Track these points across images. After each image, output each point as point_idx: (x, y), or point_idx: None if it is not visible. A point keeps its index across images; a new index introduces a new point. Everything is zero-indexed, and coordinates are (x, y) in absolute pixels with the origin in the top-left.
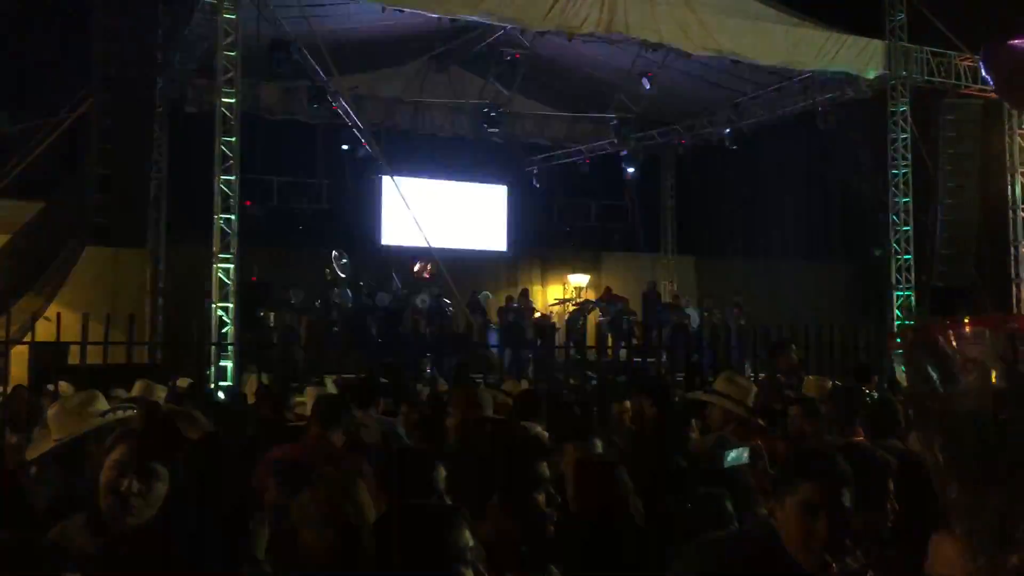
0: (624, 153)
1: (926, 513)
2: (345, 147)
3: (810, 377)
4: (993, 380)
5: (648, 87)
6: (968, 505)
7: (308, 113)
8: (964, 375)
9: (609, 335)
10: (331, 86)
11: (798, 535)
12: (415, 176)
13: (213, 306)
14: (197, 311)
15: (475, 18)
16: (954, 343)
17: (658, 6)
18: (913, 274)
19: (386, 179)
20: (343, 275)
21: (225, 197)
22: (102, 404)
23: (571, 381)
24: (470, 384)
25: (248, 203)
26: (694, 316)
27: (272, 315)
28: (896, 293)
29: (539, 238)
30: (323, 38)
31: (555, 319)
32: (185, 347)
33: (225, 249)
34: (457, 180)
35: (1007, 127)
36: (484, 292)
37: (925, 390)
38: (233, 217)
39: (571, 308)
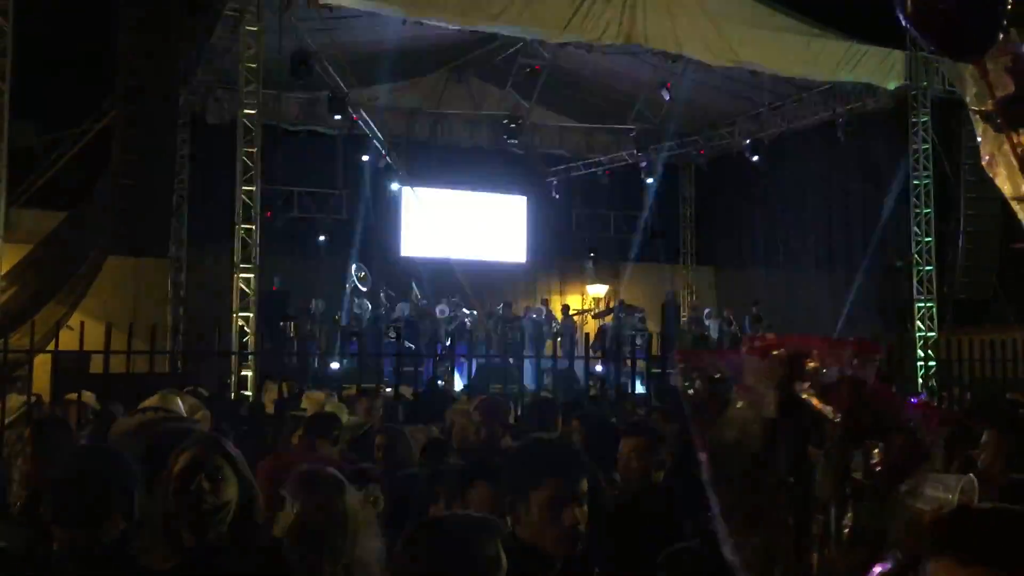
0: (643, 164)
1: None
2: (365, 158)
3: None
4: (765, 410)
5: (668, 98)
6: (732, 542)
7: (329, 124)
8: (737, 402)
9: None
10: (351, 97)
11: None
12: (434, 187)
13: (234, 315)
14: (218, 321)
15: (495, 30)
16: (729, 367)
17: (678, 17)
18: (935, 285)
19: (405, 190)
20: (363, 288)
21: (246, 207)
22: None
23: (591, 392)
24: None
25: (269, 213)
26: (713, 327)
27: (292, 324)
28: (917, 304)
29: (558, 249)
30: (344, 49)
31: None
32: (206, 356)
33: (246, 259)
34: (476, 191)
35: None
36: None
37: (695, 416)
38: (254, 227)
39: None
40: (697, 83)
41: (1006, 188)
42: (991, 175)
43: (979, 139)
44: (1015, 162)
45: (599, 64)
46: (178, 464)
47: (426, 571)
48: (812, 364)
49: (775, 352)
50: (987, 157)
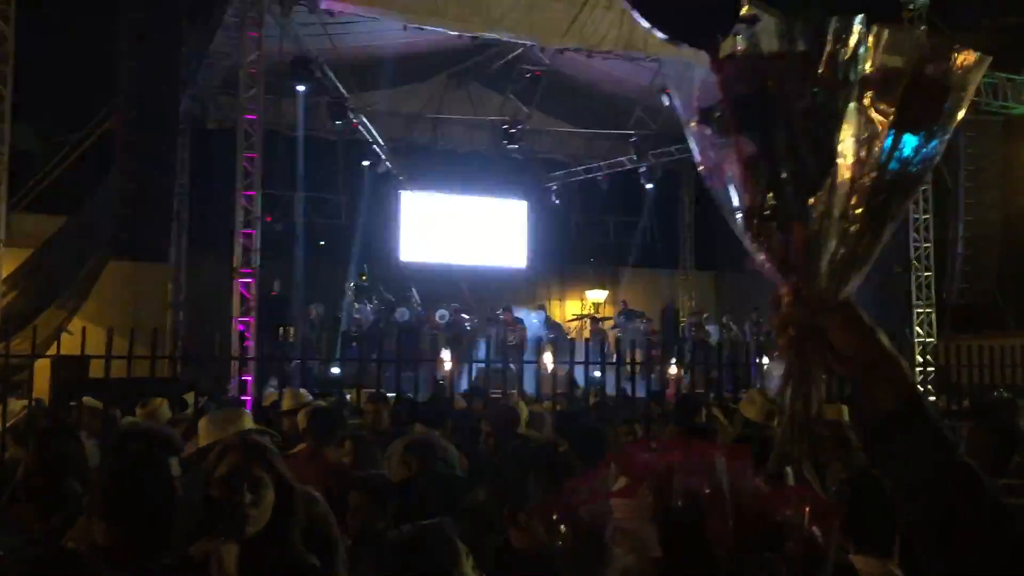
0: (643, 169)
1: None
2: (365, 163)
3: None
4: (650, 551)
5: (667, 103)
6: None
7: (329, 129)
8: (619, 550)
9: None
10: (352, 102)
11: None
12: (434, 191)
13: (234, 320)
14: (218, 325)
15: (494, 36)
16: (599, 510)
17: None
18: (933, 291)
19: (405, 195)
20: (366, 291)
21: (246, 212)
22: (247, 422)
23: (591, 399)
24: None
25: (269, 218)
26: (713, 332)
27: (292, 330)
28: (916, 310)
29: (557, 254)
30: (344, 55)
31: (572, 335)
32: (206, 361)
33: (246, 264)
34: (476, 196)
35: None
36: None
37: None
38: (254, 232)
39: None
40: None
41: (729, 199)
42: (708, 186)
43: (693, 145)
44: (739, 171)
45: (599, 70)
46: (219, 469)
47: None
48: (683, 480)
49: (640, 488)
50: (706, 166)
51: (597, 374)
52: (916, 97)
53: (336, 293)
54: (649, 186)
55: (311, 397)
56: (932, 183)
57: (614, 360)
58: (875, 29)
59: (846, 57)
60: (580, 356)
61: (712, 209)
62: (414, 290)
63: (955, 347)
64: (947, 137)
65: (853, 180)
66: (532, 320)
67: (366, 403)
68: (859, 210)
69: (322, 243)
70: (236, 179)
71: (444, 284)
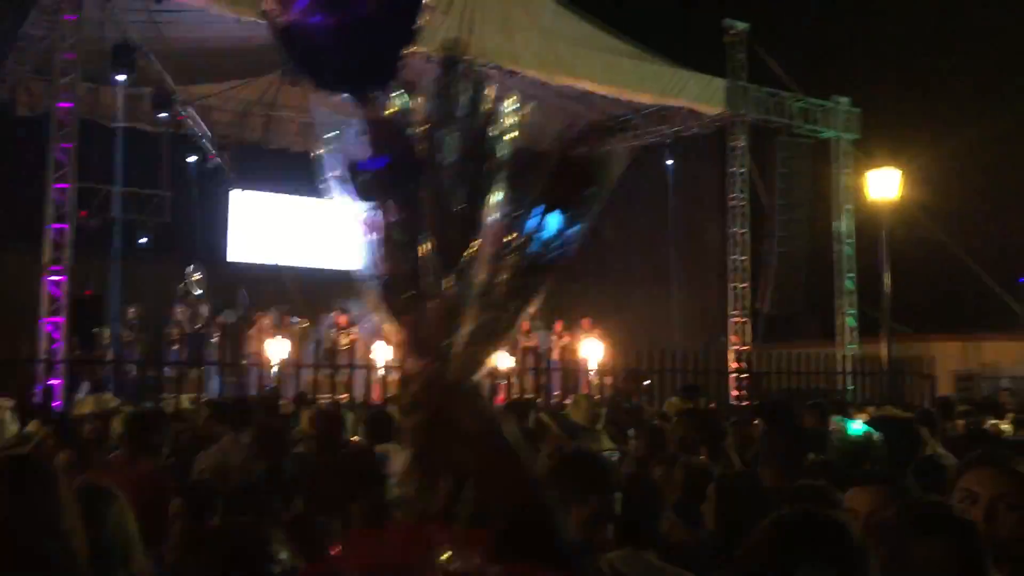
0: None
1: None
2: (191, 158)
3: (673, 399)
4: None
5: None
6: None
7: (152, 121)
8: None
9: None
10: (178, 94)
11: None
12: (266, 191)
13: (41, 321)
14: (23, 326)
15: None
16: None
17: (513, 33)
18: (749, 301)
19: (234, 193)
20: (200, 291)
21: (58, 206)
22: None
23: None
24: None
25: (83, 213)
26: (543, 340)
27: (107, 331)
28: (731, 319)
29: None
30: (171, 44)
31: None
32: (10, 364)
33: (56, 261)
34: (311, 196)
35: (834, 167)
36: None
37: None
38: (67, 227)
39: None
40: (531, 99)
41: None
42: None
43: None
44: (381, 237)
45: (436, 73)
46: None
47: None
48: None
49: None
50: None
51: None
52: (561, 180)
53: (158, 293)
54: None
55: (117, 402)
56: (749, 201)
57: None
58: (525, 107)
59: (496, 133)
60: None
61: None
62: (242, 291)
63: (767, 355)
64: (586, 224)
65: (496, 258)
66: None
67: (191, 406)
68: (499, 290)
69: (143, 241)
70: (48, 170)
71: (273, 286)
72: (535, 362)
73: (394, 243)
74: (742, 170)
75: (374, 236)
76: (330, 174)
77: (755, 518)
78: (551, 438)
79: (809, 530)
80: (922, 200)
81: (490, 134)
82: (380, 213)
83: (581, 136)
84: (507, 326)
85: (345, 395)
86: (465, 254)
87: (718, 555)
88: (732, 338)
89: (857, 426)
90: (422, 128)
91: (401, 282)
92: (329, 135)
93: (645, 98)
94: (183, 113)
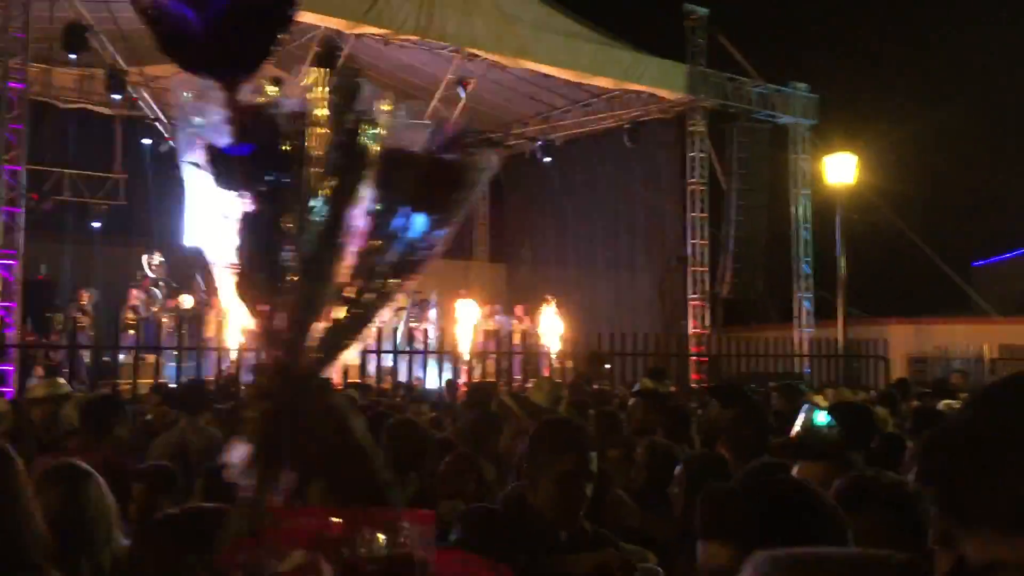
0: None
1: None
2: (146, 141)
3: (645, 379)
4: None
5: (464, 95)
6: None
7: (106, 103)
8: None
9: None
10: (131, 75)
11: (560, 502)
12: None
13: None
14: None
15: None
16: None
17: (474, 16)
18: (707, 285)
19: (189, 175)
20: (155, 276)
21: (9, 188)
22: None
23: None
24: None
25: (36, 196)
26: (505, 324)
27: (60, 316)
28: (691, 303)
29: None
30: (125, 25)
31: None
32: None
33: (8, 244)
34: None
35: (792, 152)
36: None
37: None
38: (18, 210)
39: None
40: (493, 83)
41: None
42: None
43: (204, 174)
44: (240, 224)
45: (396, 58)
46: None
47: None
48: (367, 549)
49: (319, 564)
50: (210, 207)
51: (389, 363)
52: (430, 182)
53: (113, 277)
54: None
55: (68, 387)
56: (708, 185)
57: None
58: (395, 107)
59: (366, 130)
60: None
61: (505, 202)
62: (198, 276)
63: (726, 338)
64: (450, 228)
65: (360, 255)
66: None
67: (148, 392)
68: (359, 287)
69: (96, 224)
70: None
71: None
72: (496, 347)
73: (253, 233)
74: (701, 155)
75: (233, 224)
76: (187, 157)
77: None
78: (513, 420)
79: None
80: (878, 185)
81: (361, 132)
82: (240, 201)
83: (451, 141)
84: (364, 322)
85: None
86: (326, 250)
87: (686, 541)
88: (692, 322)
89: (822, 418)
90: (291, 120)
91: (258, 273)
92: (190, 118)
93: (605, 82)
94: (136, 95)
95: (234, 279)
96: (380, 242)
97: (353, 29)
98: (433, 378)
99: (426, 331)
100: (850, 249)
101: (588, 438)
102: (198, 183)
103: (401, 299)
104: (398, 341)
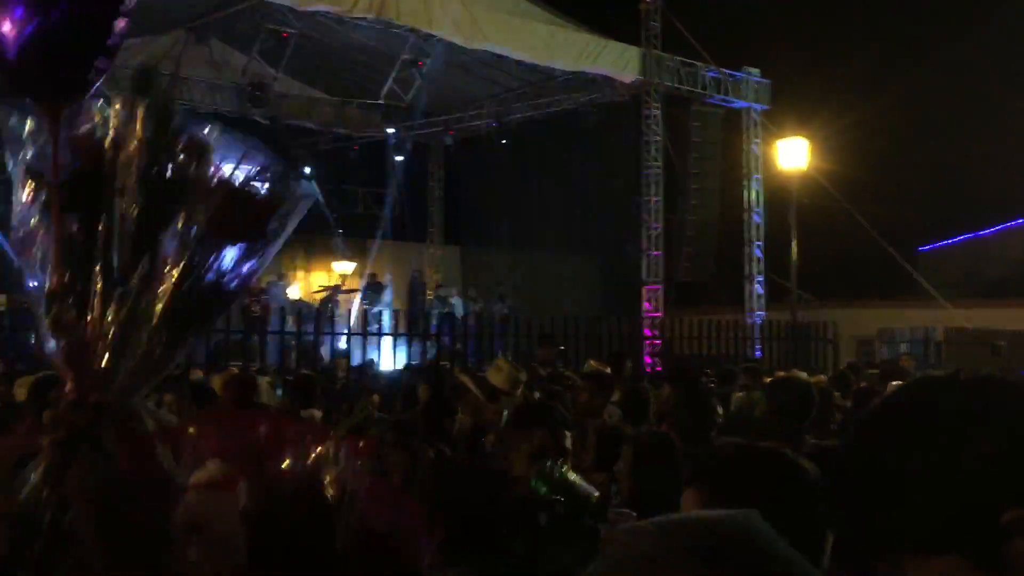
0: (392, 141)
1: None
2: None
3: (592, 361)
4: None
5: (418, 77)
6: None
7: None
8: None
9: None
10: None
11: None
12: None
13: None
14: None
15: None
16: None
17: None
18: (662, 269)
19: None
20: None
21: None
22: None
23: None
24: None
25: None
26: (458, 305)
27: (3, 298)
28: (645, 287)
29: (304, 224)
30: None
31: (319, 307)
32: None
33: None
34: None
35: (744, 136)
36: None
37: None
38: None
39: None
40: (447, 64)
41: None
42: (16, 253)
43: (24, 196)
44: (53, 248)
45: (351, 37)
46: None
47: None
48: (292, 469)
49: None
50: (22, 231)
51: (343, 346)
52: (242, 212)
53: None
54: (399, 158)
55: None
56: (663, 168)
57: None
58: (217, 136)
59: (179, 160)
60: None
61: (460, 184)
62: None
63: (678, 320)
64: (266, 260)
65: (168, 286)
66: (283, 291)
67: None
68: (165, 318)
69: None
70: None
71: None
72: (450, 329)
73: (62, 257)
74: (656, 138)
75: (43, 246)
76: (12, 173)
77: (672, 481)
78: (469, 400)
79: None
80: (827, 169)
81: (174, 160)
82: (52, 223)
83: (263, 172)
84: (164, 358)
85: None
86: (135, 278)
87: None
88: (645, 305)
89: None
90: (106, 145)
91: (65, 298)
92: (15, 138)
93: (560, 64)
94: None
95: (41, 303)
96: (191, 273)
97: (305, 6)
98: (388, 361)
99: (380, 313)
100: (801, 233)
101: (561, 417)
102: (20, 206)
103: (355, 282)
104: (351, 324)
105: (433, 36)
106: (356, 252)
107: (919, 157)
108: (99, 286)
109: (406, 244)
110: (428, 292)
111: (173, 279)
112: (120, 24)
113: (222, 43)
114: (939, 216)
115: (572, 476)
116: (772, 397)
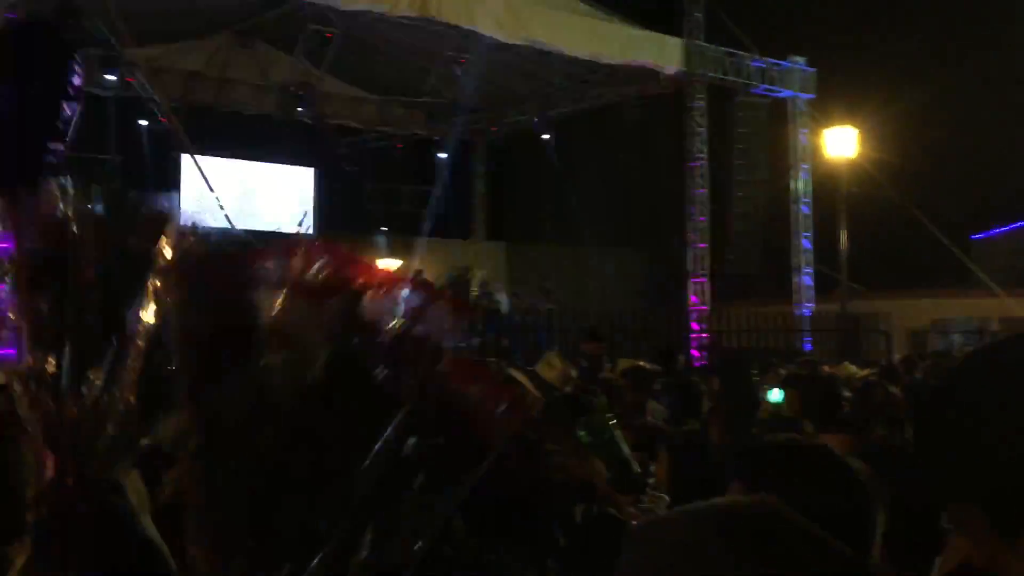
0: (436, 139)
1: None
2: (143, 123)
3: (623, 360)
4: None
5: (460, 73)
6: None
7: (99, 84)
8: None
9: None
10: (126, 56)
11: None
12: (218, 155)
13: None
14: None
15: None
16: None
17: None
18: (708, 261)
19: (186, 158)
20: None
21: None
22: None
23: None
24: None
25: None
26: (504, 302)
27: None
28: (692, 280)
29: (348, 222)
30: (118, 4)
31: None
32: None
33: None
34: (263, 161)
35: (791, 126)
36: None
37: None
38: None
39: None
40: (491, 59)
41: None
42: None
43: None
44: (26, 328)
45: (393, 35)
46: None
47: None
48: (377, 312)
49: (335, 294)
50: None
51: None
52: (206, 287)
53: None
54: (442, 155)
55: None
56: (708, 160)
57: None
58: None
59: (140, 236)
60: None
61: (504, 180)
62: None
63: (725, 313)
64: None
65: (140, 360)
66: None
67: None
68: (139, 392)
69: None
70: None
71: None
72: (496, 324)
73: (37, 337)
74: (700, 130)
75: (19, 326)
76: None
77: (708, 477)
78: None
79: None
80: (877, 158)
81: (136, 237)
82: (27, 305)
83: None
84: (147, 426)
85: None
86: (107, 356)
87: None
88: (692, 298)
89: (775, 395)
90: (68, 225)
91: (40, 378)
92: None
93: (603, 57)
94: (130, 76)
95: (21, 380)
96: (162, 345)
97: (348, 5)
98: None
99: None
100: (849, 223)
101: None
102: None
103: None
104: None
105: (475, 32)
106: (401, 250)
107: (970, 143)
108: (70, 364)
109: (450, 241)
110: (472, 288)
111: (143, 352)
112: (69, 107)
113: (267, 45)
114: (992, 203)
115: (619, 434)
116: (796, 395)
